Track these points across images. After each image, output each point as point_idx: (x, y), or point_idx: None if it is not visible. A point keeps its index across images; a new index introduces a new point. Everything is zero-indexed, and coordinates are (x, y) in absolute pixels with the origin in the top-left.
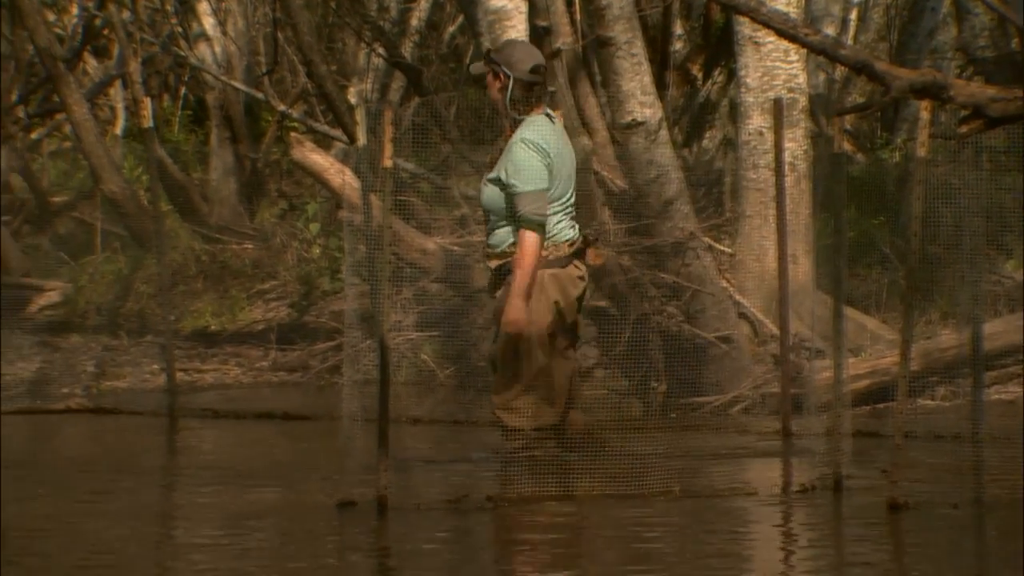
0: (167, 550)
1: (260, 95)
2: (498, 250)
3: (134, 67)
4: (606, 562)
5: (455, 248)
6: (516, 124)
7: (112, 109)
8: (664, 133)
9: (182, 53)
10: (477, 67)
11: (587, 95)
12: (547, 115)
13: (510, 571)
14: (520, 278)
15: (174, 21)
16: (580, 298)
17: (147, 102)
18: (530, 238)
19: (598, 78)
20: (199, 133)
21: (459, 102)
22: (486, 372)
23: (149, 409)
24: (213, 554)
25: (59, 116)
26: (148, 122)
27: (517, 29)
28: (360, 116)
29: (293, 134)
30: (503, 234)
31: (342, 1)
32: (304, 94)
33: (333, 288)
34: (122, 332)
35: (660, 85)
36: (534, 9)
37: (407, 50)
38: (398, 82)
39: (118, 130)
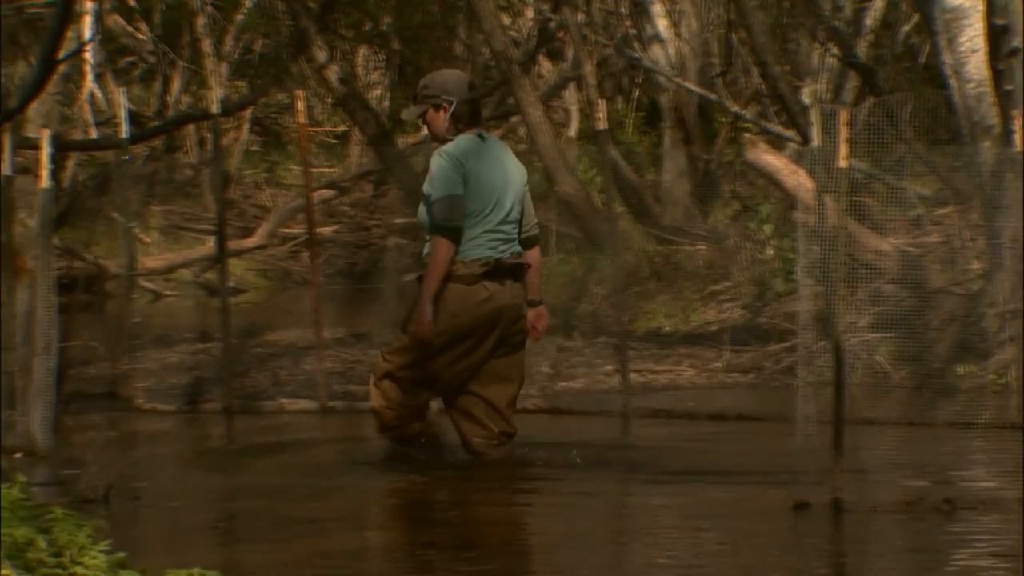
0: (622, 546)
1: (713, 96)
2: (424, 259)
3: (589, 69)
4: None
5: (911, 249)
6: (450, 142)
7: (566, 111)
8: None
9: (636, 55)
10: (411, 111)
11: None
12: (479, 135)
13: None
14: (426, 283)
15: (628, 23)
16: (488, 320)
17: (602, 104)
18: (439, 243)
19: None
20: (652, 135)
21: (914, 102)
22: (944, 374)
23: (602, 410)
24: (668, 551)
25: (514, 118)
26: (602, 124)
27: (974, 27)
28: (815, 116)
29: (746, 135)
30: (428, 245)
31: (796, 1)
32: (757, 95)
33: (787, 289)
34: (576, 333)
35: None
36: (991, 7)
37: (861, 49)
38: (852, 82)
39: (572, 132)
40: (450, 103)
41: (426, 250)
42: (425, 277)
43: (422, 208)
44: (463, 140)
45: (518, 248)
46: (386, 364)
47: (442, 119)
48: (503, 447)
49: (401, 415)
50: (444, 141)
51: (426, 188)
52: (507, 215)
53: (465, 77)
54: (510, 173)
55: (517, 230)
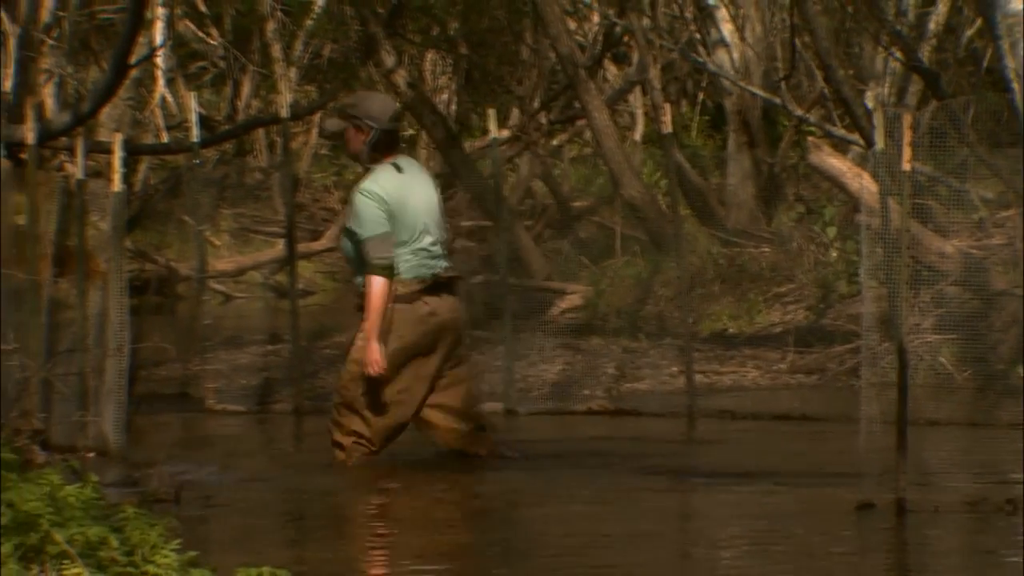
0: (689, 547)
1: (777, 100)
2: (360, 291)
3: (654, 73)
4: None
5: (974, 251)
6: (368, 176)
7: (631, 115)
8: None
9: (700, 59)
10: (333, 124)
11: None
12: (394, 164)
13: None
14: (368, 321)
15: (693, 28)
16: (434, 332)
17: (667, 108)
18: (374, 282)
19: None
20: (716, 138)
21: (977, 105)
22: (1007, 375)
23: (668, 411)
24: (735, 552)
25: (580, 122)
26: (667, 128)
27: None
28: (878, 120)
29: (810, 138)
30: (361, 278)
31: (859, 6)
32: (821, 98)
33: (850, 291)
34: (641, 335)
35: None
36: None
37: (925, 54)
38: (915, 86)
39: (637, 136)
40: (371, 129)
41: (359, 285)
42: (367, 314)
43: (346, 242)
44: (382, 175)
45: (446, 263)
46: (344, 396)
47: (361, 141)
48: (483, 439)
49: (372, 440)
50: (357, 159)
51: (352, 226)
52: (433, 232)
53: (392, 106)
54: (428, 196)
55: (443, 246)
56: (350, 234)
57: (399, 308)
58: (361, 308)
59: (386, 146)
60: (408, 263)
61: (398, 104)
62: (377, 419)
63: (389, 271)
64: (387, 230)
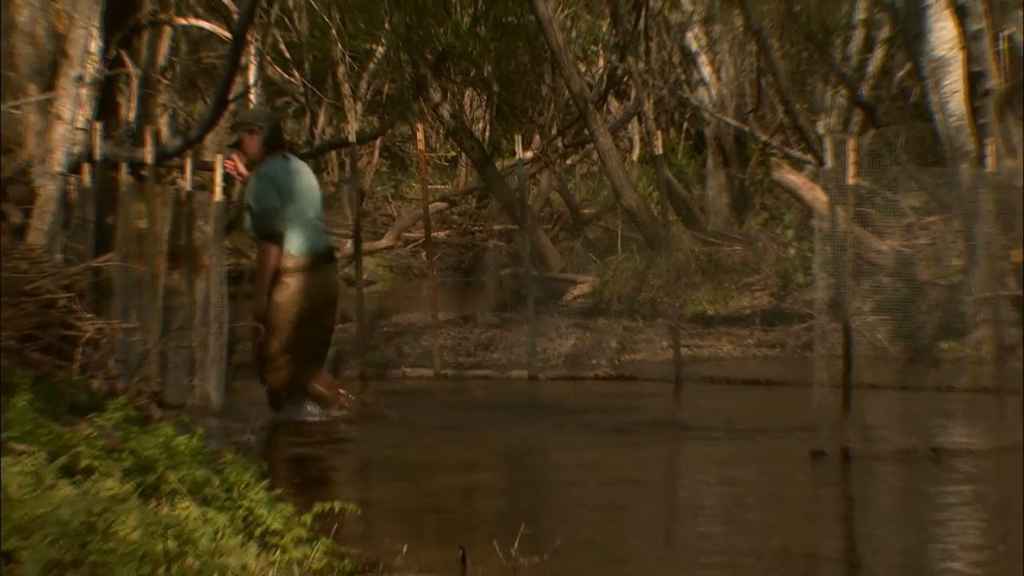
0: (674, 485)
1: (746, 128)
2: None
3: (648, 107)
4: None
5: (904, 249)
6: (262, 164)
7: (630, 140)
8: None
9: (685, 95)
10: (231, 138)
11: (1013, 126)
12: (284, 156)
13: (947, 517)
14: (260, 279)
15: (679, 70)
16: (327, 292)
17: (658, 134)
18: (265, 247)
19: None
20: (698, 159)
21: (907, 132)
22: (931, 349)
23: (659, 377)
24: (712, 488)
25: (588, 146)
26: (659, 150)
27: (955, 73)
28: (828, 144)
29: (773, 159)
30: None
31: (812, 52)
32: (782, 127)
33: (805, 281)
34: (638, 316)
35: None
36: (969, 57)
37: (865, 91)
38: (857, 116)
39: (635, 156)
40: (260, 128)
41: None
42: (258, 273)
43: (247, 217)
44: (272, 162)
45: (326, 238)
46: (270, 355)
47: (255, 142)
48: (355, 403)
49: (292, 386)
50: (255, 161)
51: (249, 201)
52: (316, 214)
53: (273, 113)
54: (311, 184)
55: (321, 224)
56: (248, 209)
57: (301, 276)
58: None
59: (274, 142)
60: (302, 239)
61: (279, 114)
62: (294, 366)
63: (277, 239)
64: (275, 205)
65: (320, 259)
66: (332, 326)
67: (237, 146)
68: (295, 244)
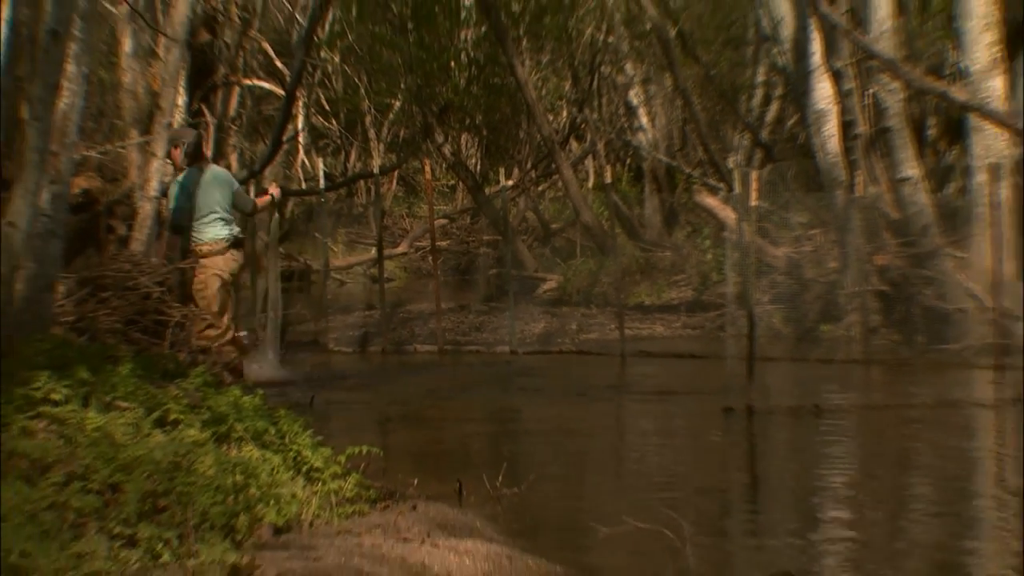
0: (619, 436)
1: (674, 163)
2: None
3: (600, 147)
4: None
5: (793, 254)
6: (183, 173)
7: (587, 172)
8: (922, 184)
9: (628, 138)
10: (163, 153)
11: (876, 162)
12: (198, 167)
13: (826, 455)
14: (160, 257)
15: (624, 119)
16: (235, 271)
17: (608, 168)
18: (171, 238)
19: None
20: (638, 186)
21: (795, 167)
22: (814, 330)
23: (608, 352)
24: (648, 438)
25: (555, 176)
26: (608, 180)
27: (832, 122)
28: (736, 175)
29: (695, 186)
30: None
31: (724, 106)
32: (701, 162)
33: (719, 279)
34: (592, 305)
35: (920, 155)
36: (843, 110)
37: (764, 134)
38: (758, 154)
39: (590, 184)
40: (183, 143)
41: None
42: (167, 258)
43: (170, 215)
44: (188, 172)
45: (238, 228)
46: (207, 323)
47: (179, 153)
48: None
49: (226, 341)
50: (179, 170)
51: (167, 203)
52: (225, 211)
53: (195, 133)
54: (220, 186)
55: (233, 218)
56: (169, 208)
57: (221, 258)
58: (185, 255)
59: (193, 156)
60: (218, 228)
61: (201, 133)
62: (227, 330)
63: (183, 232)
64: (184, 206)
65: (233, 245)
66: (238, 292)
67: (167, 156)
68: (216, 232)
